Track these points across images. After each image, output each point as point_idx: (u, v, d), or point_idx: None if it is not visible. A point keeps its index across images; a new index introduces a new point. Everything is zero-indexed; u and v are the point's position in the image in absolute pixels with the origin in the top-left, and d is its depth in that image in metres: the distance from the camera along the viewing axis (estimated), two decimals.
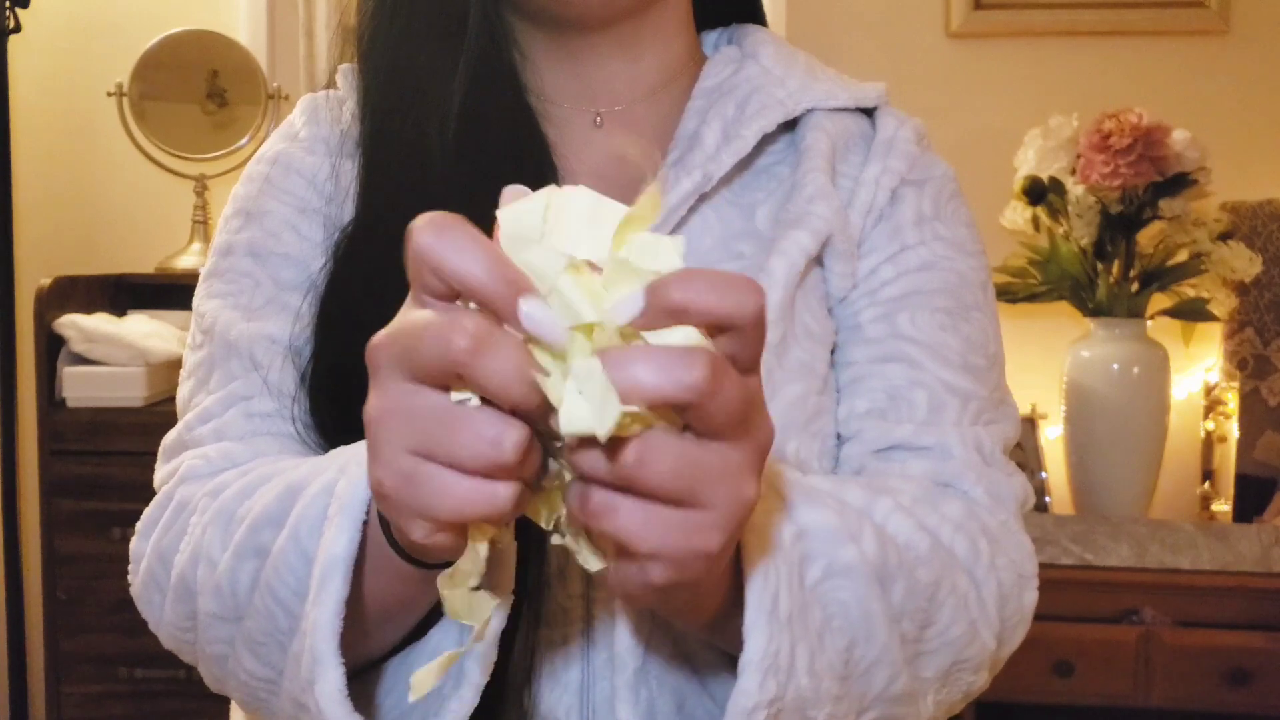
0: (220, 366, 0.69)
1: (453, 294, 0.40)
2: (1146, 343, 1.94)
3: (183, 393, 0.72)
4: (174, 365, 1.99)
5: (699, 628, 0.54)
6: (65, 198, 2.34)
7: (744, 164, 0.73)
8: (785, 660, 0.50)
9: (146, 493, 0.70)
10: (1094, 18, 2.18)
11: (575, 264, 0.39)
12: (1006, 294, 1.93)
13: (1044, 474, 2.04)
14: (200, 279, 0.74)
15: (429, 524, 0.42)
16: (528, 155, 0.69)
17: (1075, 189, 1.91)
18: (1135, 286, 1.94)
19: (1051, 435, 2.10)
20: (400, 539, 0.49)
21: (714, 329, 0.39)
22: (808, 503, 0.55)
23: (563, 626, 0.63)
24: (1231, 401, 2.06)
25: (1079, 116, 1.94)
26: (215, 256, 0.74)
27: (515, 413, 0.39)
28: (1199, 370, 2.14)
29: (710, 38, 0.82)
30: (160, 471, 0.70)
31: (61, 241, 2.33)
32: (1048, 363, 2.06)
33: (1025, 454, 2.02)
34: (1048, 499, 2.02)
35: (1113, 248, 1.92)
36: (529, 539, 0.53)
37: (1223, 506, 2.07)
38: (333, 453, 0.59)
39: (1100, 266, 1.94)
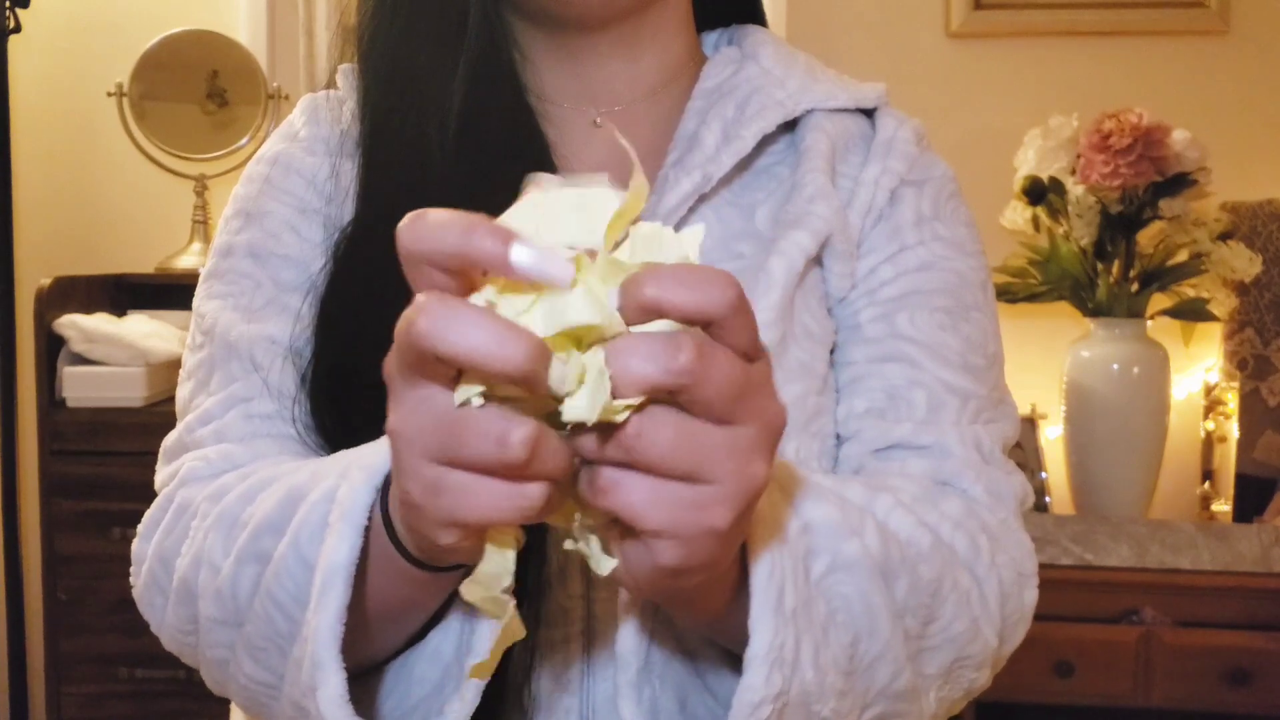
0: (220, 368, 0.69)
1: (461, 282, 0.40)
2: (1146, 343, 1.94)
3: (183, 393, 0.72)
4: (174, 365, 1.98)
5: (703, 623, 0.54)
6: (65, 198, 2.34)
7: (744, 164, 0.73)
8: (790, 654, 0.49)
9: (147, 493, 0.70)
10: (1094, 18, 2.18)
11: (576, 257, 0.39)
12: (1006, 294, 1.93)
13: (1044, 474, 2.04)
14: (200, 279, 0.74)
15: (458, 530, 0.42)
16: (527, 155, 0.69)
17: (1075, 189, 1.91)
18: (1135, 286, 1.94)
19: (1051, 435, 2.10)
20: (421, 545, 0.48)
21: (691, 323, 0.39)
22: (811, 497, 0.55)
23: (563, 626, 0.64)
24: (1231, 401, 2.06)
25: (1079, 116, 1.94)
26: (215, 257, 0.74)
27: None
28: (1199, 370, 2.14)
29: (710, 38, 0.82)
30: (161, 473, 0.70)
31: (61, 241, 2.33)
32: (1048, 363, 2.06)
33: (1025, 454, 2.02)
34: (1048, 499, 2.02)
35: (1113, 248, 1.92)
36: (529, 540, 0.53)
37: (1223, 506, 2.07)
38: (334, 457, 0.59)
39: (1100, 266, 1.94)
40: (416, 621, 0.57)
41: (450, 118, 0.68)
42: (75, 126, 2.33)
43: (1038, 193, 1.93)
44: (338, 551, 0.50)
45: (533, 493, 0.40)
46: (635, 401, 0.38)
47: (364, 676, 0.59)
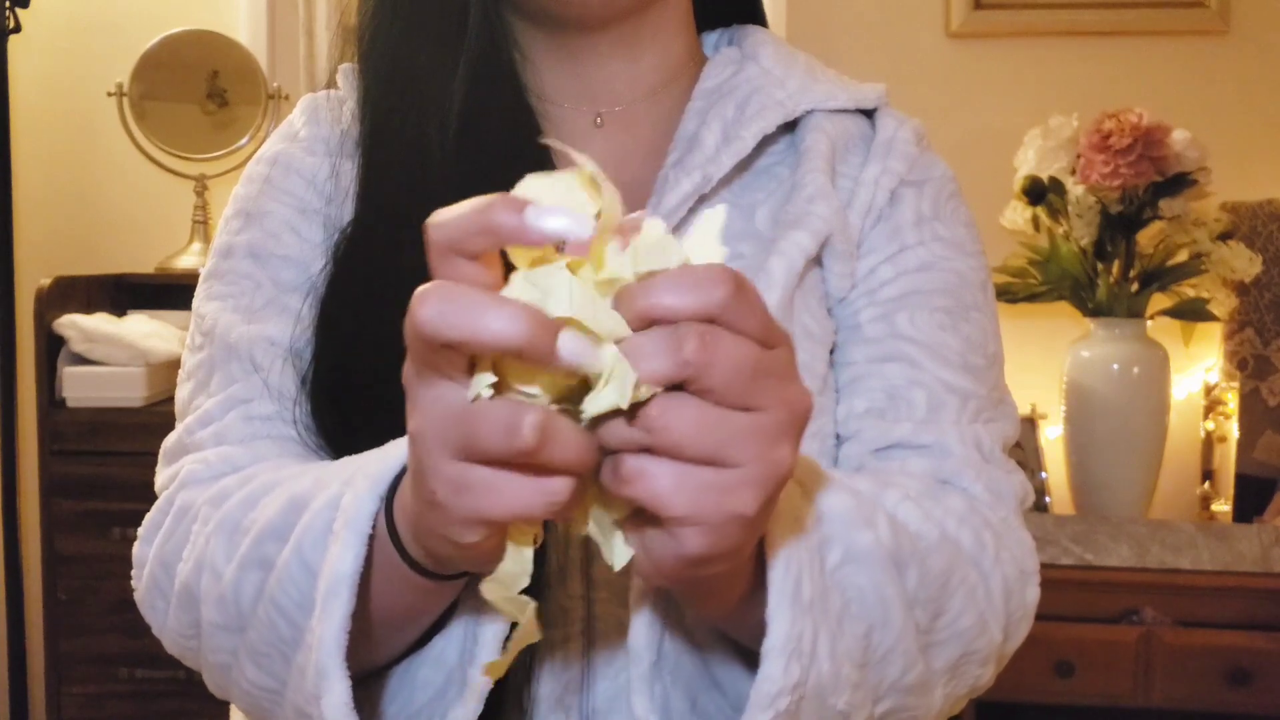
0: (220, 369, 0.69)
1: (492, 276, 0.41)
2: (1146, 343, 1.94)
3: (182, 394, 0.72)
4: (174, 365, 1.98)
5: (717, 615, 0.54)
6: (65, 198, 2.34)
7: (743, 165, 0.73)
8: (808, 645, 0.49)
9: (147, 493, 0.70)
10: (1094, 18, 2.18)
11: (575, 263, 0.40)
12: (1006, 294, 1.93)
13: (1044, 474, 2.04)
14: (200, 280, 0.74)
15: (482, 527, 0.42)
16: (527, 155, 0.69)
17: (1075, 189, 1.91)
18: (1135, 286, 1.94)
19: (1051, 435, 2.10)
20: (437, 548, 0.47)
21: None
22: (824, 487, 0.55)
23: (563, 626, 0.64)
24: (1231, 401, 2.06)
25: (1079, 116, 1.94)
26: (215, 257, 0.74)
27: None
28: (1199, 370, 2.14)
29: (710, 38, 0.82)
30: (161, 475, 0.70)
31: (61, 241, 2.33)
32: (1048, 363, 2.06)
33: (1025, 454, 2.02)
34: (1048, 499, 2.02)
35: (1113, 248, 1.92)
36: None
37: (1223, 506, 2.07)
38: (337, 463, 0.59)
39: (1100, 266, 1.94)
40: (420, 628, 0.57)
41: (450, 118, 0.68)
42: (75, 126, 2.33)
43: (1038, 193, 1.93)
44: (342, 560, 0.50)
45: (558, 487, 0.40)
46: (657, 390, 0.39)
47: (366, 681, 0.59)
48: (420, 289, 0.39)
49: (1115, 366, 1.93)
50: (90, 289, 2.13)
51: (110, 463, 1.96)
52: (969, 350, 0.70)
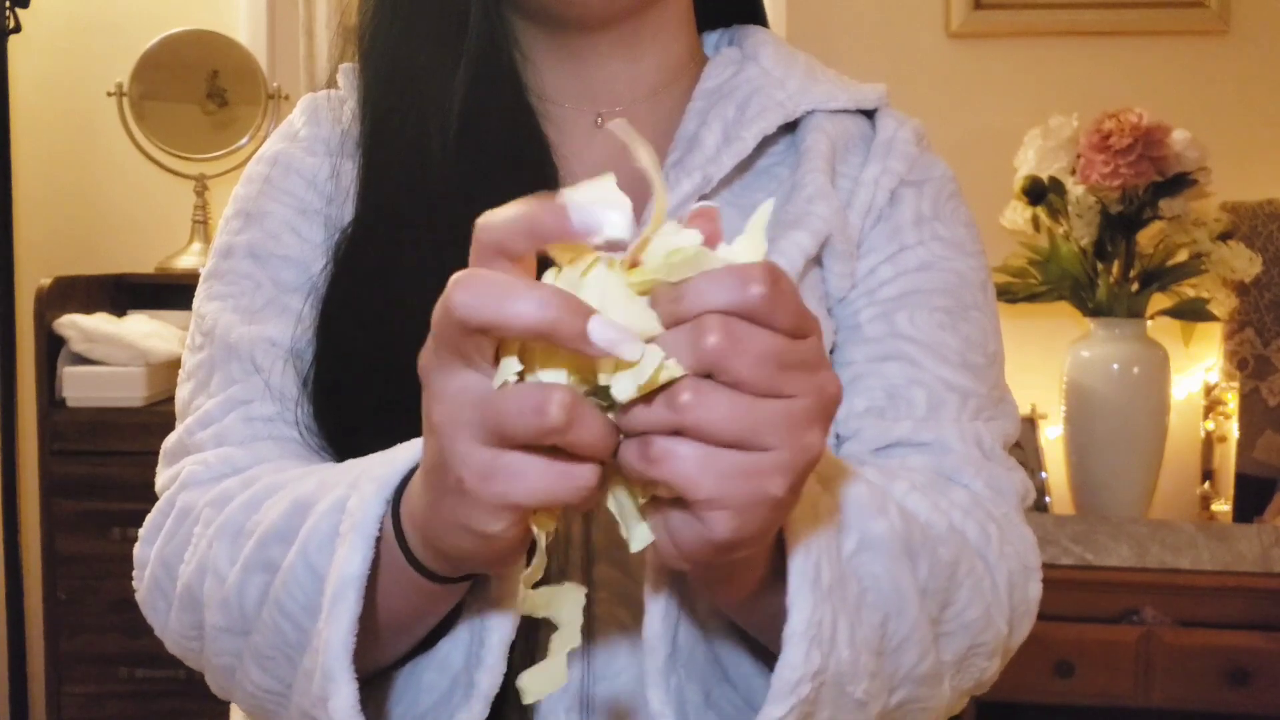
0: (220, 369, 0.69)
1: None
2: (1146, 343, 1.94)
3: (182, 394, 0.72)
4: (174, 365, 1.98)
5: (733, 602, 0.53)
6: (65, 198, 2.34)
7: (744, 165, 0.73)
8: (828, 631, 0.49)
9: (147, 493, 0.70)
10: (1094, 18, 2.18)
11: (613, 263, 0.41)
12: (1006, 294, 1.93)
13: (1044, 474, 2.04)
14: (201, 280, 0.74)
15: (510, 514, 0.42)
16: (528, 155, 0.69)
17: (1075, 189, 1.91)
18: (1135, 286, 1.94)
19: (1051, 435, 2.10)
20: (460, 542, 0.46)
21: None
22: (838, 475, 0.55)
23: None
24: (1231, 401, 2.06)
25: (1079, 116, 1.94)
26: (216, 258, 0.74)
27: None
28: (1199, 370, 2.14)
29: (711, 38, 0.82)
30: (162, 476, 0.70)
31: (61, 241, 2.33)
32: (1048, 363, 2.06)
33: (1025, 454, 2.02)
34: (1048, 499, 2.02)
35: (1113, 248, 1.92)
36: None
37: (1223, 506, 2.07)
38: (340, 466, 0.59)
39: (1100, 266, 1.94)
40: (424, 629, 0.57)
41: (451, 118, 0.68)
42: (75, 126, 2.33)
43: (1038, 193, 1.93)
44: (349, 562, 0.50)
45: (584, 473, 0.41)
46: (687, 373, 0.39)
47: (371, 682, 0.59)
48: (455, 276, 0.40)
49: (1115, 366, 1.93)
50: (90, 289, 2.13)
51: (110, 463, 1.96)
52: (969, 349, 0.70)
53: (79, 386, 1.98)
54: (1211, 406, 2.09)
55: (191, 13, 2.29)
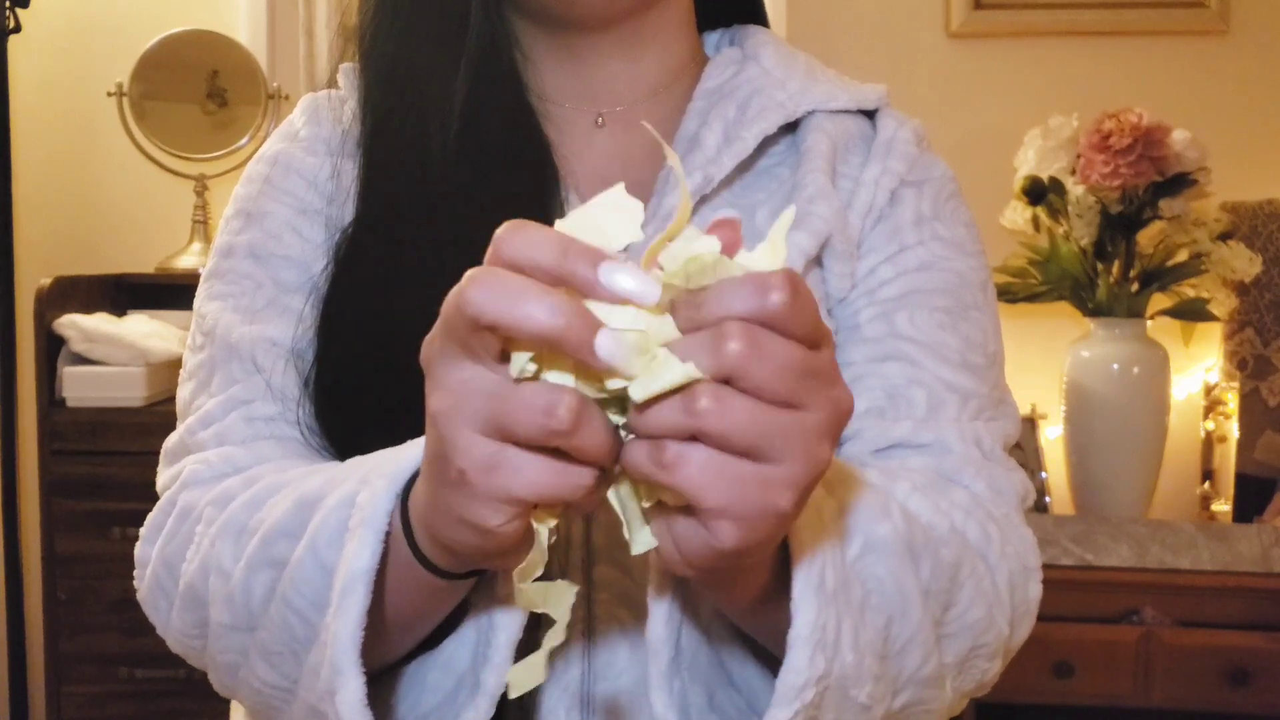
0: (221, 369, 0.69)
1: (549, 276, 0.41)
2: (1146, 343, 1.94)
3: (183, 394, 0.72)
4: (174, 365, 1.99)
5: (736, 607, 0.54)
6: (65, 198, 2.34)
7: (744, 165, 0.73)
8: (832, 635, 0.49)
9: (147, 493, 0.70)
10: (1094, 18, 2.18)
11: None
12: (1006, 294, 1.93)
13: (1044, 474, 2.04)
14: (201, 279, 0.74)
15: (509, 508, 0.42)
16: (528, 155, 0.69)
17: (1075, 189, 1.91)
18: (1135, 286, 1.94)
19: (1051, 435, 2.10)
20: (460, 535, 0.46)
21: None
22: (842, 479, 0.55)
23: None
24: (1231, 401, 2.06)
25: (1079, 116, 1.94)
26: (216, 257, 0.74)
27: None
28: (1199, 370, 2.14)
29: (712, 38, 0.82)
30: (163, 476, 0.70)
31: (61, 241, 2.33)
32: (1048, 363, 2.06)
33: (1025, 454, 2.02)
34: (1048, 499, 2.02)
35: (1113, 248, 1.92)
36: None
37: (1223, 506, 2.07)
38: (349, 463, 0.59)
39: (1100, 266, 1.94)
40: (428, 627, 0.57)
41: (451, 118, 0.68)
42: (75, 126, 2.33)
43: (1038, 193, 1.93)
44: (359, 557, 0.50)
45: (584, 474, 0.41)
46: (704, 378, 0.39)
47: (377, 678, 0.59)
48: (471, 271, 0.40)
49: (1115, 366, 1.93)
50: (90, 289, 2.13)
51: (110, 463, 1.96)
52: (969, 349, 0.70)
53: (79, 386, 1.98)
54: (1211, 406, 2.09)
55: (191, 13, 2.29)
